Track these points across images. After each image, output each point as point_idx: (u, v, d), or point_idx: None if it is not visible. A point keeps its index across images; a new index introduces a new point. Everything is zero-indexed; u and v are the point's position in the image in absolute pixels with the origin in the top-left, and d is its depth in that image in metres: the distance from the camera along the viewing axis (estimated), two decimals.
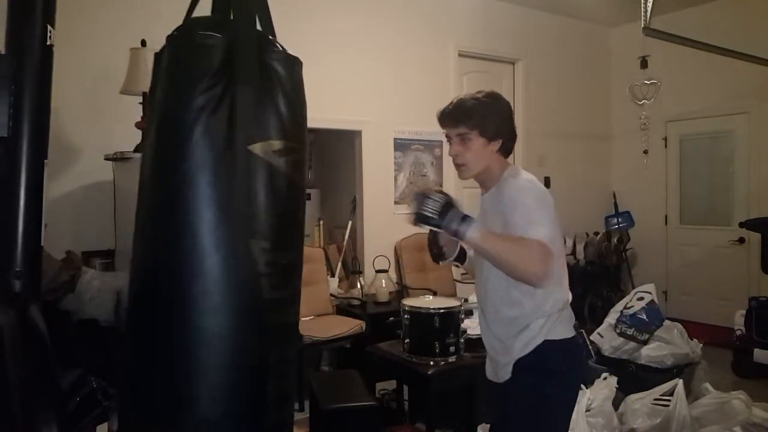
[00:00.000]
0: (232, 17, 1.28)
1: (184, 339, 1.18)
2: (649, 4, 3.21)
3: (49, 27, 1.24)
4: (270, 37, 1.30)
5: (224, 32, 1.21)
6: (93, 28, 3.54)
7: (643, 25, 3.25)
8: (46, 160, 1.26)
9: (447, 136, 1.90)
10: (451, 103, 1.88)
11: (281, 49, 1.29)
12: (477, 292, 2.00)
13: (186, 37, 1.24)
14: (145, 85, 3.25)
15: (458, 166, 1.89)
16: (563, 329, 1.80)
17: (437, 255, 1.98)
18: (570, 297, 1.89)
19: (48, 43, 1.25)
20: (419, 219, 1.67)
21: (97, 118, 3.57)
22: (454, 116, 1.84)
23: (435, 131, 5.11)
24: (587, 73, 6.28)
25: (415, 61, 5.04)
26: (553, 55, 5.90)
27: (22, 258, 1.18)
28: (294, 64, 1.30)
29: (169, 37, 1.27)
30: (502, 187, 1.85)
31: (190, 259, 1.17)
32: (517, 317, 1.79)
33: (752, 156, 5.50)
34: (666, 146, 6.10)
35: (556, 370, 1.75)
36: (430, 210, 1.65)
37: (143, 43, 3.26)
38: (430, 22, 5.14)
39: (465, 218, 1.65)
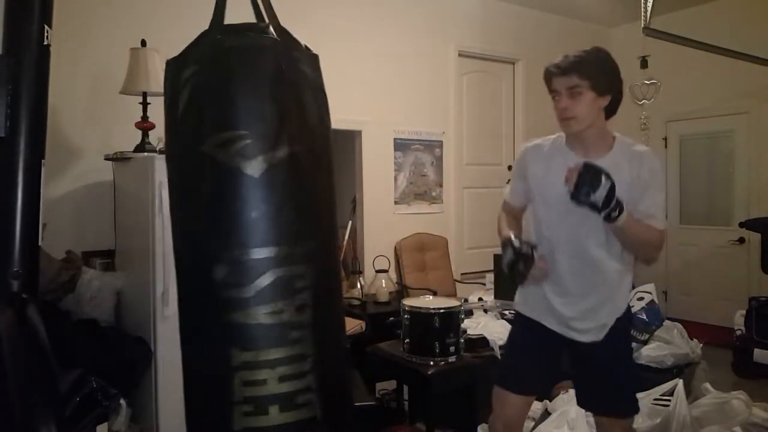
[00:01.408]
0: (266, 22, 1.35)
1: None
2: (649, 4, 3.21)
3: (46, 27, 1.25)
4: (293, 36, 1.38)
5: (270, 36, 1.33)
6: (93, 28, 3.53)
7: (643, 25, 3.25)
8: (43, 160, 1.26)
9: (554, 90, 1.87)
10: (563, 56, 1.88)
11: (305, 47, 1.39)
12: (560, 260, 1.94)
13: (242, 38, 1.32)
14: (146, 85, 3.26)
15: (566, 120, 1.86)
16: None
17: (522, 279, 1.93)
18: None
19: (45, 42, 1.25)
20: (584, 200, 1.69)
21: (97, 118, 3.57)
22: (565, 67, 1.83)
23: (435, 131, 5.15)
24: None
25: (415, 60, 5.04)
26: (553, 55, 5.83)
27: (20, 258, 1.19)
28: (315, 60, 1.47)
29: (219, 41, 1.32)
30: (636, 153, 1.87)
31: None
32: (619, 270, 1.93)
33: (752, 156, 5.49)
34: (666, 146, 6.10)
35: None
36: (599, 196, 1.66)
37: (143, 43, 3.26)
38: (430, 22, 5.13)
39: (620, 205, 1.69)
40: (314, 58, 1.40)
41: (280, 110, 1.30)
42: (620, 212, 1.70)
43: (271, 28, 1.31)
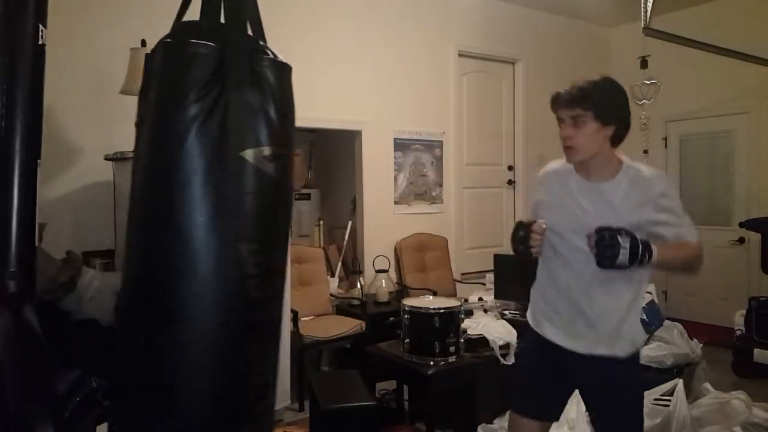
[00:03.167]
0: (223, 23, 1.29)
1: (173, 339, 1.21)
2: (649, 4, 3.21)
3: (41, 26, 1.24)
4: (261, 43, 1.31)
5: (216, 40, 1.23)
6: (93, 28, 3.54)
7: (643, 25, 3.25)
8: (39, 160, 1.25)
9: (559, 118, 1.88)
10: (569, 85, 1.87)
11: (272, 55, 1.31)
12: (568, 279, 1.93)
13: (179, 45, 1.25)
14: None
15: (567, 149, 1.87)
16: None
17: (525, 253, 1.92)
18: None
19: (40, 42, 1.24)
20: (610, 266, 1.69)
21: (97, 118, 3.57)
22: (569, 97, 1.82)
23: (435, 131, 5.15)
24: (587, 73, 6.21)
25: (415, 61, 5.04)
26: (553, 55, 5.90)
27: (16, 259, 1.18)
28: (284, 71, 1.32)
29: (162, 43, 1.27)
30: (643, 177, 1.87)
31: (182, 263, 1.19)
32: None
33: (752, 156, 5.49)
34: (666, 146, 6.09)
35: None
36: (623, 258, 1.67)
37: (143, 43, 3.26)
38: (430, 22, 5.13)
39: (647, 247, 1.70)
40: (281, 65, 1.35)
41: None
42: (650, 255, 1.70)
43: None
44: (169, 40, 1.28)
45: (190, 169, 1.18)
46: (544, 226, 1.88)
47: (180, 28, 1.33)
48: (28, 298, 1.22)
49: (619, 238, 1.67)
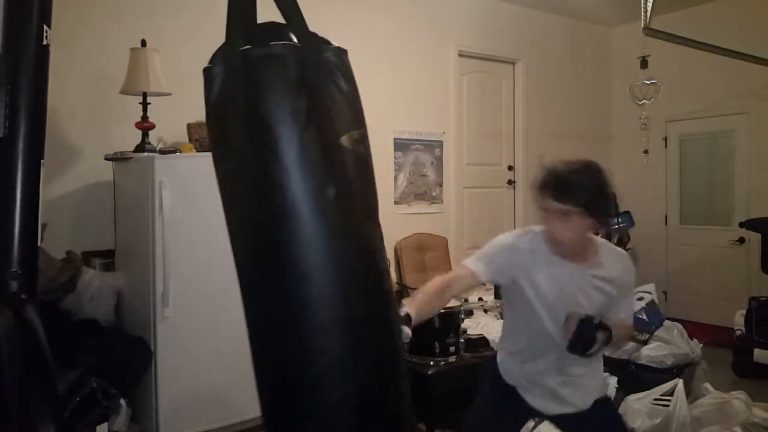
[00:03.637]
0: (286, 22, 1.27)
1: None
2: (649, 4, 3.21)
3: (45, 26, 1.24)
4: (316, 33, 1.31)
5: (286, 39, 1.23)
6: (93, 28, 3.53)
7: (643, 25, 3.25)
8: (42, 160, 1.25)
9: (544, 208, 1.78)
10: (552, 172, 1.76)
11: (329, 42, 1.33)
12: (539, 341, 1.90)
13: (262, 50, 1.21)
14: (146, 85, 3.26)
15: (556, 242, 1.80)
16: None
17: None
18: None
19: (44, 42, 1.24)
20: (578, 353, 1.72)
21: (97, 118, 3.57)
22: (560, 194, 1.72)
23: (435, 131, 5.15)
24: (587, 73, 6.28)
25: (415, 61, 5.04)
26: (553, 55, 5.90)
27: (19, 258, 1.18)
28: (344, 54, 1.34)
29: (239, 51, 1.21)
30: (616, 255, 1.94)
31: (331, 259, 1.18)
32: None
33: (752, 156, 5.49)
34: (666, 146, 6.09)
35: None
36: (593, 351, 1.71)
37: (143, 43, 3.26)
38: (430, 22, 5.13)
39: (605, 327, 1.72)
40: (341, 53, 1.35)
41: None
42: (609, 342, 1.74)
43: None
44: (247, 47, 1.21)
45: (301, 166, 1.18)
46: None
47: (248, 33, 1.28)
48: (30, 298, 1.22)
49: (599, 334, 1.69)
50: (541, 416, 1.96)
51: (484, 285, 4.50)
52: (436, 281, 1.85)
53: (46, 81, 1.27)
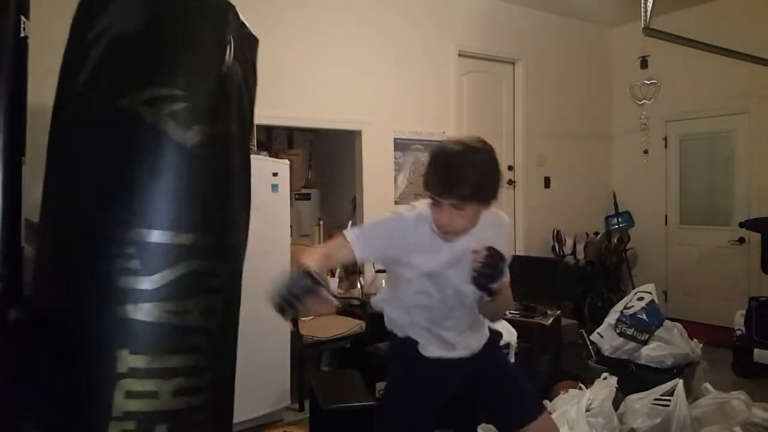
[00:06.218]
0: None
1: None
2: (649, 4, 3.21)
3: (23, 18, 1.21)
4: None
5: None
6: None
7: (643, 25, 3.25)
8: (24, 158, 1.22)
9: (433, 200, 1.75)
10: (445, 164, 1.69)
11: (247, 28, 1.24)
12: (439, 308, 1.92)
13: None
14: None
15: (446, 232, 1.77)
16: None
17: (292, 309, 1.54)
18: None
19: (22, 35, 1.21)
20: (483, 286, 1.72)
21: None
22: (451, 189, 1.68)
23: (435, 131, 5.15)
24: (587, 73, 6.28)
25: (415, 61, 5.03)
26: (553, 55, 5.90)
27: (2, 259, 1.15)
28: (255, 43, 1.25)
29: None
30: (497, 220, 1.93)
31: None
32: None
33: (752, 156, 5.49)
34: (666, 146, 6.09)
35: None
36: (495, 279, 1.71)
37: None
38: (430, 22, 5.13)
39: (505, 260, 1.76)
40: (255, 41, 1.27)
41: (225, 81, 1.11)
42: (499, 290, 1.76)
43: None
44: None
45: None
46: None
47: None
48: (15, 298, 1.19)
49: (502, 264, 1.71)
50: (438, 362, 1.95)
51: None
52: (316, 251, 1.82)
53: (26, 74, 1.24)
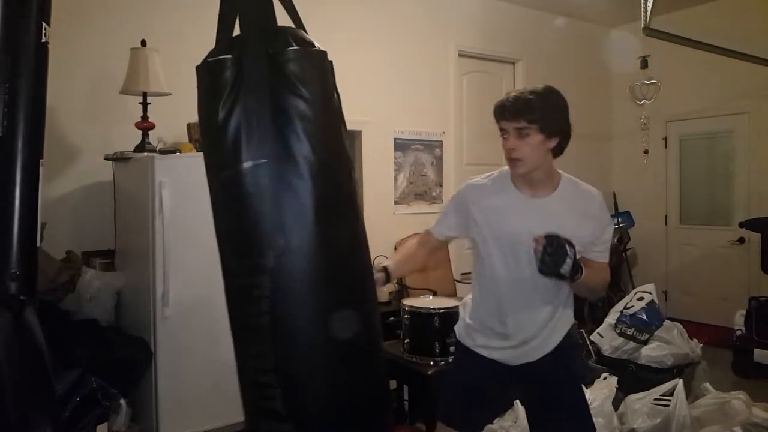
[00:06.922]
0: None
1: None
2: (649, 4, 3.20)
3: (44, 24, 1.23)
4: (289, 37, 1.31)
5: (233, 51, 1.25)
6: (93, 28, 3.53)
7: (643, 25, 3.25)
8: (42, 160, 1.25)
9: (502, 129, 1.85)
10: (509, 95, 1.83)
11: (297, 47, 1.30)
12: (508, 293, 1.91)
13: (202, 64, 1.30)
14: (146, 85, 3.26)
15: (514, 161, 1.83)
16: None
17: None
18: None
19: (43, 40, 1.23)
20: (551, 274, 1.69)
21: (97, 118, 3.56)
22: (514, 109, 1.79)
23: (435, 131, 5.15)
24: (587, 73, 6.27)
25: (415, 61, 5.03)
26: (553, 55, 5.90)
27: (18, 259, 1.17)
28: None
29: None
30: (583, 191, 1.91)
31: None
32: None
33: (752, 156, 5.49)
34: (666, 146, 6.09)
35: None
36: (566, 269, 1.67)
37: (143, 43, 3.26)
38: (430, 22, 5.13)
39: (581, 267, 1.72)
40: (312, 55, 1.30)
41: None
42: (581, 273, 1.72)
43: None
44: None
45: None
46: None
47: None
48: (30, 300, 1.21)
49: (567, 248, 1.67)
50: (502, 368, 1.94)
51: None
52: (412, 242, 2.18)
53: (46, 79, 1.26)
